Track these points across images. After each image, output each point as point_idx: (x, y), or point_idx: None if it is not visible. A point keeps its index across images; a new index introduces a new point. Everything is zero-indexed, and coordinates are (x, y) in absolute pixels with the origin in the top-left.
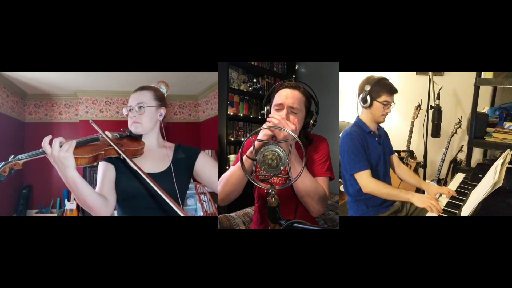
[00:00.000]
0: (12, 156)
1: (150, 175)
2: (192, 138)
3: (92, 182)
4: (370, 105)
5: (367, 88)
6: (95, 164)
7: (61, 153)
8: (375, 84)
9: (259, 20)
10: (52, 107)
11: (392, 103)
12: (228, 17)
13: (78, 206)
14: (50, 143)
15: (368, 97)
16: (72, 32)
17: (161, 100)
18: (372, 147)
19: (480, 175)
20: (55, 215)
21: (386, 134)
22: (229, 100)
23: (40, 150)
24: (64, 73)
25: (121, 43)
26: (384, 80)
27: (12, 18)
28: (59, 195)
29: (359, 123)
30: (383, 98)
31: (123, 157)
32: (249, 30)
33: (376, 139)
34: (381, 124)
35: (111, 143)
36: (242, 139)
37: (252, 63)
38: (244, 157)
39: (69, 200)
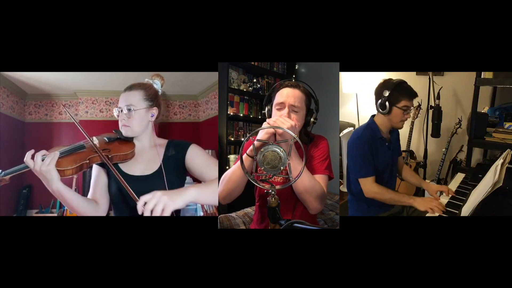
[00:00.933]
0: (0, 171)
1: (141, 178)
2: (192, 138)
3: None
4: (389, 112)
5: (386, 93)
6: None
7: (43, 167)
8: (395, 88)
9: (259, 20)
10: (52, 107)
11: (412, 108)
12: (228, 17)
13: None
14: (33, 157)
15: (387, 103)
16: (72, 32)
17: (153, 99)
18: (381, 153)
19: (480, 175)
20: (55, 215)
21: (397, 136)
22: (229, 100)
23: (24, 164)
24: (64, 73)
25: (121, 43)
26: (403, 84)
27: (12, 18)
28: None
29: (372, 126)
30: (403, 103)
31: (106, 163)
32: (249, 30)
33: (387, 144)
34: None
35: (98, 151)
36: (242, 139)
37: (252, 63)
38: (244, 156)
39: None
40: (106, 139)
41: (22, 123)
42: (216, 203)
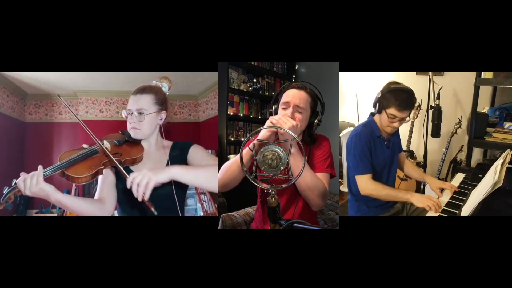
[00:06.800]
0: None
1: None
2: (192, 138)
3: (92, 182)
4: (379, 112)
5: (378, 94)
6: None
7: (33, 190)
8: (387, 92)
9: (259, 20)
10: (52, 107)
11: (407, 119)
12: (228, 17)
13: None
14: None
15: (378, 104)
16: (72, 32)
17: (162, 103)
18: (379, 151)
19: (480, 175)
20: (55, 215)
21: (397, 133)
22: (229, 100)
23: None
24: (64, 73)
25: (121, 43)
26: (399, 92)
27: (12, 18)
28: None
29: (371, 123)
30: (390, 111)
31: (119, 169)
32: (249, 30)
33: (385, 143)
34: None
35: (111, 157)
36: (242, 139)
37: (252, 63)
38: (246, 150)
39: None
40: (116, 142)
41: (22, 123)
42: (201, 186)
